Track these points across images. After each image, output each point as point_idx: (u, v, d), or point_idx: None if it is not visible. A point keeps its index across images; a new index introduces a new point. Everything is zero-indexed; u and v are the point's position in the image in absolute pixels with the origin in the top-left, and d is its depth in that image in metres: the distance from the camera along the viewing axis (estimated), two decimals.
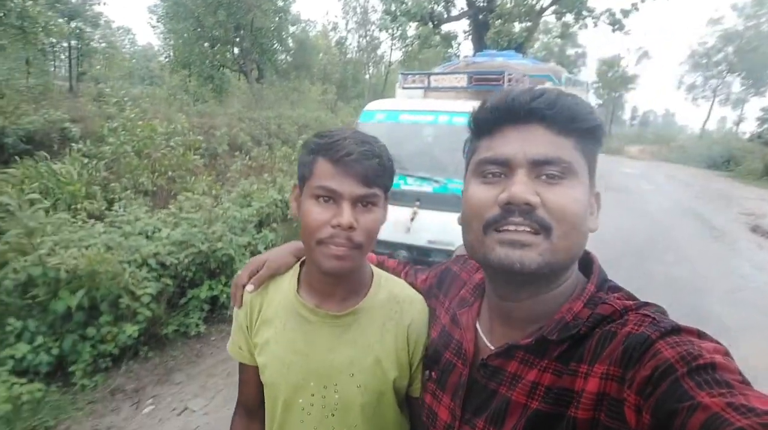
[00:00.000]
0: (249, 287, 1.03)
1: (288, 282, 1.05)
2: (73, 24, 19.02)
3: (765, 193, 14.28)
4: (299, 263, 1.07)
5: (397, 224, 3.85)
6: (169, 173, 6.73)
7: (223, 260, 4.24)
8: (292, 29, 21.82)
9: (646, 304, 0.67)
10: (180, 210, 5.05)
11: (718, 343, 0.58)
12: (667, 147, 29.80)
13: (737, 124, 37.60)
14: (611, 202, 11.29)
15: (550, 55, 37.21)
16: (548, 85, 4.78)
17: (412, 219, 3.80)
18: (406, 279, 1.13)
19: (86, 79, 19.51)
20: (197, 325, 4.09)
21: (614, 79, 36.77)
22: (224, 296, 4.29)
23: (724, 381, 0.50)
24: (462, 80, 4.25)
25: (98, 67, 22.12)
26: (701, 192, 14.03)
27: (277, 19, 17.06)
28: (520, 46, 15.52)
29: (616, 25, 16.42)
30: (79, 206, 4.60)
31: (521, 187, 0.64)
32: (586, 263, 0.77)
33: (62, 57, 21.12)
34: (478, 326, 0.82)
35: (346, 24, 28.77)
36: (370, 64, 29.75)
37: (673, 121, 70.96)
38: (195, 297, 4.20)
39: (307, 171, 0.92)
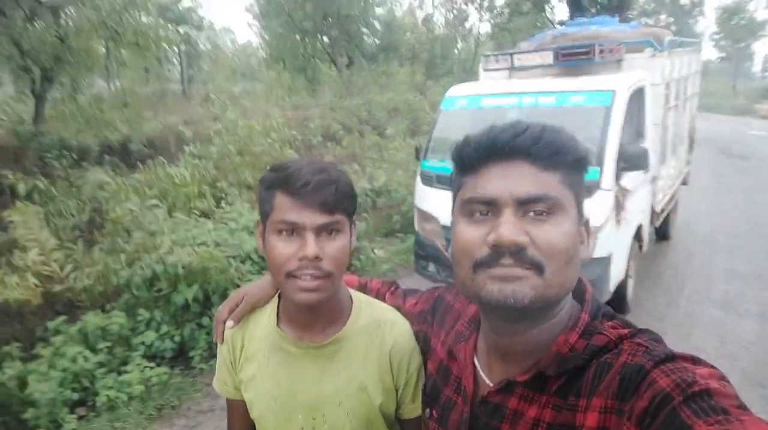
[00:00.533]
0: (229, 323, 1.03)
1: (268, 315, 1.05)
2: (181, 30, 20.77)
3: None
4: (278, 294, 1.06)
5: None
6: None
7: None
8: (378, 11, 21.89)
9: (641, 331, 0.66)
10: None
11: (713, 367, 0.58)
12: None
13: None
14: (735, 172, 10.09)
15: (660, 8, 33.72)
16: (648, 51, 4.37)
17: None
18: (391, 301, 1.12)
19: (196, 81, 21.28)
20: None
21: (739, 27, 32.34)
22: None
23: (720, 408, 0.50)
24: (548, 57, 4.03)
25: (205, 68, 23.90)
26: None
27: (362, 3, 17.21)
28: (621, 3, 14.25)
29: None
30: (192, 206, 5.09)
31: (509, 229, 0.63)
32: (579, 290, 0.75)
33: (174, 61, 23.09)
34: (476, 361, 0.81)
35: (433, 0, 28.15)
36: (458, 38, 28.96)
37: None
38: None
39: (267, 207, 0.91)
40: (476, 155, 0.70)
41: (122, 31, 7.31)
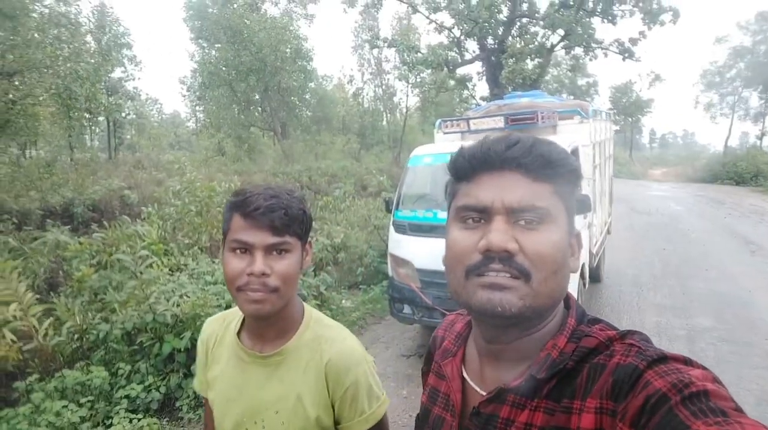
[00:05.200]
0: None
1: (234, 324, 1.16)
2: (111, 99, 20.55)
3: None
4: None
5: None
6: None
7: None
8: (311, 85, 23.04)
9: (630, 332, 0.68)
10: None
11: (705, 369, 0.58)
12: (691, 167, 29.73)
13: (760, 138, 37.35)
14: (644, 225, 11.44)
15: (561, 87, 37.94)
16: (577, 118, 5.22)
17: None
18: None
19: (122, 149, 20.84)
20: None
21: (629, 104, 37.18)
22: None
23: (718, 409, 0.51)
24: (499, 122, 4.70)
25: (128, 136, 23.55)
26: (733, 209, 14.05)
27: (302, 77, 18.17)
28: (534, 82, 16.15)
29: (625, 53, 16.98)
30: (162, 262, 5.10)
31: (499, 236, 0.65)
32: (564, 298, 0.77)
33: (96, 130, 22.51)
34: (465, 374, 0.81)
35: (362, 76, 30.06)
36: (386, 111, 30.80)
37: (693, 141, 70.38)
38: None
39: (226, 227, 1.02)
40: (470, 165, 0.72)
41: (76, 97, 7.35)
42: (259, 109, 19.18)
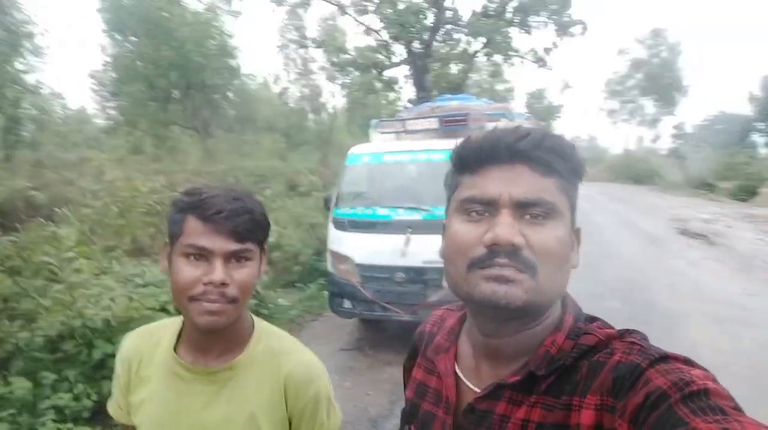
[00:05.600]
0: None
1: (168, 339, 1.02)
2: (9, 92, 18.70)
3: (688, 201, 16.00)
4: (182, 319, 1.03)
5: (393, 250, 4.37)
6: (151, 229, 6.97)
7: None
8: (236, 83, 22.42)
9: (629, 331, 0.68)
10: None
11: (705, 370, 0.59)
12: (595, 168, 32.32)
13: (654, 141, 41.35)
14: None
15: (482, 92, 39.65)
16: (504, 120, 5.57)
17: (407, 244, 4.33)
18: None
19: (21, 147, 19.05)
20: None
21: (542, 109, 39.61)
22: None
23: (718, 407, 0.51)
24: (434, 123, 4.92)
25: (25, 134, 21.62)
26: (633, 205, 15.52)
27: (227, 75, 17.63)
28: (458, 86, 16.84)
29: (539, 62, 18.17)
30: (85, 265, 4.81)
31: (506, 229, 0.64)
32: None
33: None
34: (457, 370, 0.80)
35: (288, 75, 29.63)
36: (312, 112, 30.59)
37: (596, 145, 76.48)
38: None
39: (177, 229, 0.91)
40: (476, 156, 0.70)
41: None
42: (181, 106, 18.38)
